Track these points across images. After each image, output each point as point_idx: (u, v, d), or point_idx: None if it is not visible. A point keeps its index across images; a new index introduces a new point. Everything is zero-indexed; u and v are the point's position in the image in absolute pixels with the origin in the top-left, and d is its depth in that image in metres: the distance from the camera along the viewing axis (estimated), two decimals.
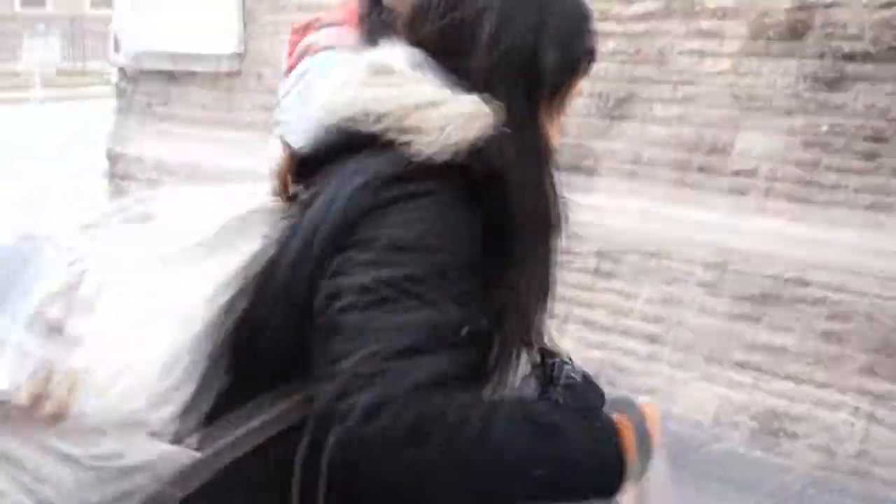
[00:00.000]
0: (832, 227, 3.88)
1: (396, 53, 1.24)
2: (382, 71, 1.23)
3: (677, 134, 4.32)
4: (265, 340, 1.21)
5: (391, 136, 1.19)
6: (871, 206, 3.79)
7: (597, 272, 4.49)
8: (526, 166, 1.22)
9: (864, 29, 3.82)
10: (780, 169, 4.02)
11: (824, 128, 3.91)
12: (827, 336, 3.86)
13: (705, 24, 4.21)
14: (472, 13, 1.24)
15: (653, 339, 4.32)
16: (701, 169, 4.25)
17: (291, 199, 1.31)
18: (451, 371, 1.06)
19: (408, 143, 1.18)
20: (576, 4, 1.32)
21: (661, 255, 4.32)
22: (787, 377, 3.94)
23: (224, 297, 1.21)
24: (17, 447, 1.16)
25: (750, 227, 4.08)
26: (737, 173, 4.14)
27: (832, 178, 3.89)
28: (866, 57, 3.80)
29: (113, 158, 7.14)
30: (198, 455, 1.17)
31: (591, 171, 4.51)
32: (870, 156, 3.80)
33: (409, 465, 1.03)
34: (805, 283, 3.93)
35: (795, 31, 3.99)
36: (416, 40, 1.26)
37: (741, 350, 4.06)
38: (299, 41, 2.03)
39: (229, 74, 6.35)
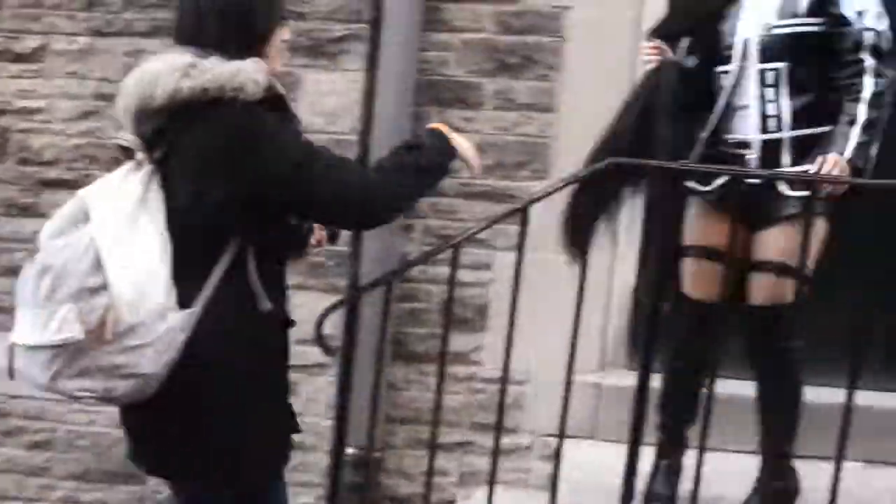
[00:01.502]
0: None
1: (171, 55, 2.25)
2: (185, 66, 2.19)
3: None
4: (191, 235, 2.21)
5: (227, 94, 2.17)
6: None
7: None
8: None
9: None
10: None
11: None
12: None
13: None
14: (214, 15, 2.26)
15: None
16: None
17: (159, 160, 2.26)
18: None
19: (236, 96, 2.17)
20: None
21: None
22: None
23: (165, 229, 2.21)
24: (90, 362, 2.14)
25: None
26: None
27: None
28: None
29: None
30: (195, 309, 2.19)
31: None
32: None
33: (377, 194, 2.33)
34: None
35: None
36: (199, 42, 2.25)
37: None
38: None
39: None
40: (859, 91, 2.94)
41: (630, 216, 3.19)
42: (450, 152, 2.42)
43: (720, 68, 3.09)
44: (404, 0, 3.85)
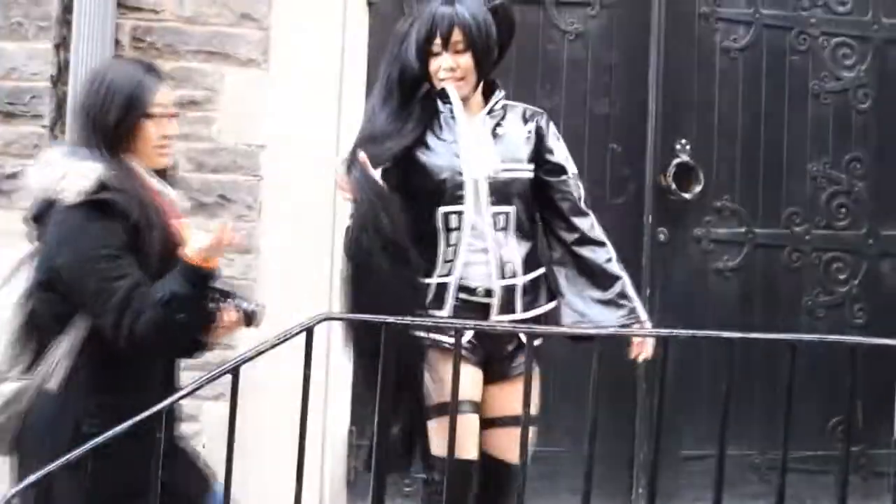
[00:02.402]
0: None
1: (57, 148, 2.61)
2: (45, 162, 2.47)
3: None
4: (41, 317, 2.43)
5: (55, 197, 2.38)
6: None
7: None
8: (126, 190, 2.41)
9: None
10: None
11: None
12: None
13: None
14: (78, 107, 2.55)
15: None
16: None
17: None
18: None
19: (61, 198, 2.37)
20: (129, 73, 2.50)
21: None
22: None
23: (21, 303, 2.44)
24: None
25: None
26: None
27: None
28: None
29: None
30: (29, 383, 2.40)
31: None
32: None
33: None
34: None
35: None
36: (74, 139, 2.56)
37: None
38: None
39: None
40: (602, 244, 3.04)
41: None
42: (191, 278, 2.41)
43: (448, 208, 2.93)
44: None
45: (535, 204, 3.06)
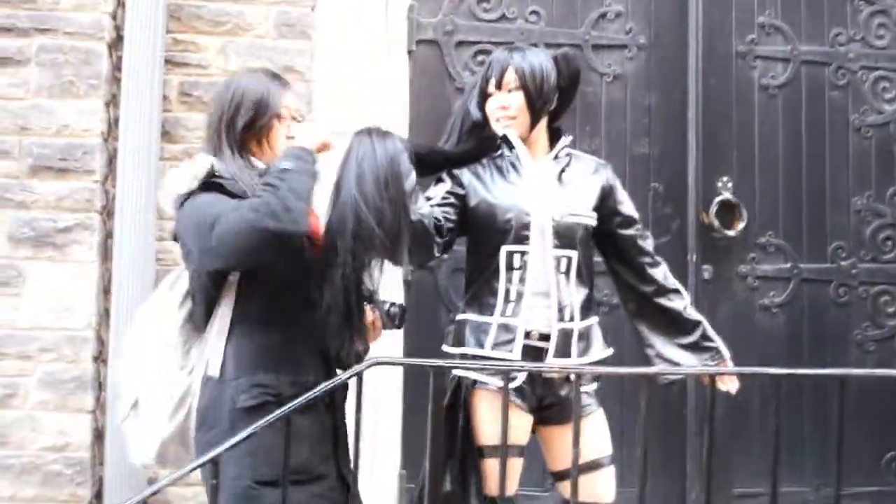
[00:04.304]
0: None
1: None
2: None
3: None
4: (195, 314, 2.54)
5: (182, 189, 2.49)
6: None
7: None
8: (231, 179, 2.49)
9: None
10: None
11: None
12: None
13: None
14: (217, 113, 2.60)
15: None
16: None
17: None
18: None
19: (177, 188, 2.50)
20: (259, 80, 2.62)
21: None
22: None
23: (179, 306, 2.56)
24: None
25: None
26: None
27: None
28: None
29: None
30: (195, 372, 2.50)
31: None
32: None
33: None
34: None
35: None
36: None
37: None
38: None
39: None
40: (678, 291, 3.08)
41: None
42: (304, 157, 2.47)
43: (513, 247, 2.92)
44: (140, 193, 3.73)
45: (594, 253, 3.09)
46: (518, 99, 2.98)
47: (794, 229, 4.41)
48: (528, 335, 2.92)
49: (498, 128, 2.99)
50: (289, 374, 2.45)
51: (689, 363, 3.02)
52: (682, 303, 3.07)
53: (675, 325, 3.06)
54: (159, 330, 2.52)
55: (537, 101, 2.99)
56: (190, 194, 2.45)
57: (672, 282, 3.09)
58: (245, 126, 2.56)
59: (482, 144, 2.97)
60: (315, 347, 2.49)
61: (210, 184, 2.45)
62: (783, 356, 4.20)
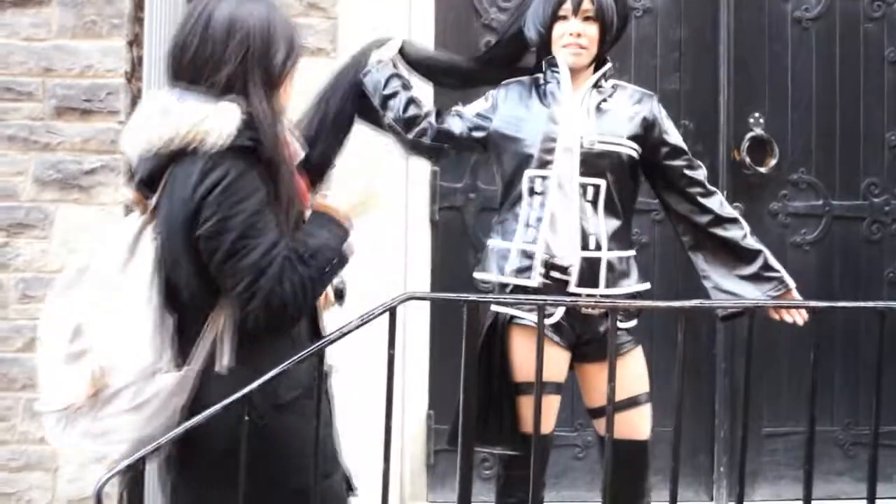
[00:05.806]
0: None
1: (161, 95, 2.11)
2: (160, 111, 2.07)
3: None
4: (179, 289, 2.10)
5: (190, 145, 2.02)
6: None
7: None
8: (267, 131, 2.07)
9: None
10: None
11: None
12: None
13: None
14: (219, 44, 2.08)
15: None
16: None
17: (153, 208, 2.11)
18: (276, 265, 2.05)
19: (201, 144, 2.02)
20: (283, 17, 2.18)
21: None
22: None
23: (153, 282, 2.08)
24: (89, 425, 2.05)
25: None
26: None
27: None
28: None
29: None
30: (190, 368, 2.08)
31: None
32: None
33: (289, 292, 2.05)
34: None
35: None
36: (177, 76, 2.11)
37: None
38: None
39: None
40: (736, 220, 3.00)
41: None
42: (341, 237, 2.16)
43: (535, 172, 2.89)
44: None
45: (635, 186, 3.02)
46: (593, 30, 2.94)
47: (826, 166, 4.34)
48: (549, 265, 2.88)
49: (564, 54, 2.94)
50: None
51: (751, 295, 2.94)
52: (740, 232, 2.98)
53: (733, 255, 2.97)
54: (130, 292, 2.08)
55: (608, 35, 2.97)
56: (212, 158, 2.02)
57: (728, 210, 3.01)
58: (283, 62, 2.15)
59: (509, 61, 3.02)
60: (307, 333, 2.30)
61: (237, 148, 2.03)
62: (814, 294, 4.14)
